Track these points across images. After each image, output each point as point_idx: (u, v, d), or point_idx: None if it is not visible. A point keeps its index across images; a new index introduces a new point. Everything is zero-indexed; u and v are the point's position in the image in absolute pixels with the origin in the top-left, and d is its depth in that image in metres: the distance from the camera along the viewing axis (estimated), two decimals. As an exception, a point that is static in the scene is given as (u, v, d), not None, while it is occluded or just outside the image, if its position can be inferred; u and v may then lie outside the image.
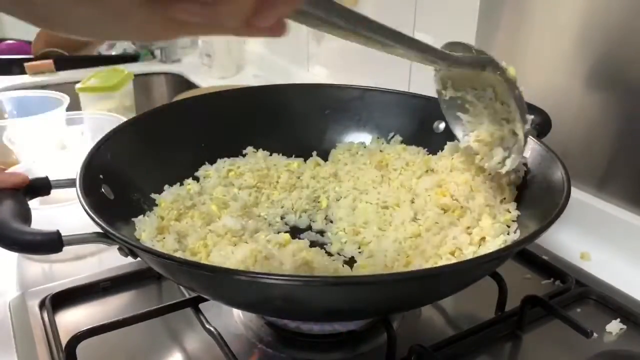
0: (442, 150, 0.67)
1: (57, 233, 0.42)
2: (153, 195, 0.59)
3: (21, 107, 0.99)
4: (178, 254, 0.52)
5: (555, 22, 0.71)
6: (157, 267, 0.45)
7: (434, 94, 0.71)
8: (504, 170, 0.56)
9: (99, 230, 0.43)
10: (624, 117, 0.66)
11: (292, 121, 0.73)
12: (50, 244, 0.42)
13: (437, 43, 0.89)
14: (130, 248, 0.43)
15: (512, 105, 0.54)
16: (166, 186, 0.62)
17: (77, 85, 1.05)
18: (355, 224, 0.63)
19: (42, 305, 0.56)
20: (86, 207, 0.44)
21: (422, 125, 0.71)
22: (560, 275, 0.61)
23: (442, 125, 0.69)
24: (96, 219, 0.43)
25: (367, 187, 0.67)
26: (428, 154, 0.69)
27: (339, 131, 0.74)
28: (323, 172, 0.70)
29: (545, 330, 0.55)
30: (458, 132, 0.61)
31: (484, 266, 0.45)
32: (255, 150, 0.71)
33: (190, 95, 1.09)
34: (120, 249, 0.44)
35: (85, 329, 0.49)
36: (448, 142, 0.66)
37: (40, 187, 0.51)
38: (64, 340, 0.49)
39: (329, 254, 0.59)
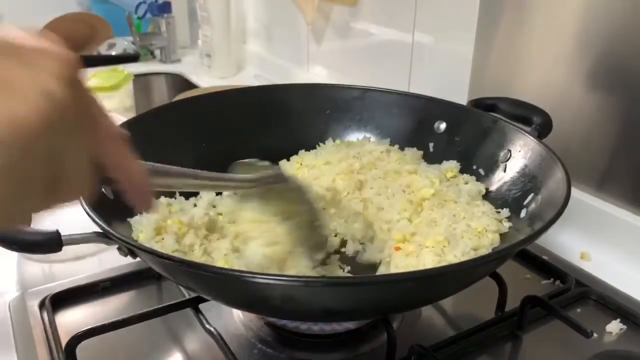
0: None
1: (57, 233, 0.42)
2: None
3: (21, 107, 0.99)
4: (177, 254, 0.52)
5: (555, 21, 0.71)
6: (157, 267, 0.45)
7: (434, 94, 0.71)
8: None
9: (98, 230, 0.43)
10: (624, 117, 0.66)
11: (292, 121, 0.73)
12: (49, 243, 0.42)
13: (437, 43, 0.90)
14: (129, 248, 0.43)
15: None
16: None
17: (77, 85, 1.05)
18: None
19: (42, 305, 0.56)
20: (86, 207, 0.44)
21: (423, 125, 0.71)
22: (560, 276, 0.61)
23: (442, 126, 0.69)
24: (96, 219, 0.43)
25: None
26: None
27: (340, 131, 0.74)
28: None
29: (545, 331, 0.55)
30: None
31: (484, 266, 0.45)
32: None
33: (190, 95, 1.09)
34: (119, 249, 0.44)
35: (85, 329, 0.49)
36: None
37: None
38: (64, 340, 0.49)
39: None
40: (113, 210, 0.51)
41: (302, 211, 0.54)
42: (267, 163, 0.53)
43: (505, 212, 0.58)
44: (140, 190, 0.35)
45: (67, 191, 0.28)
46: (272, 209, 0.53)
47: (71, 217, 0.60)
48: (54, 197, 0.28)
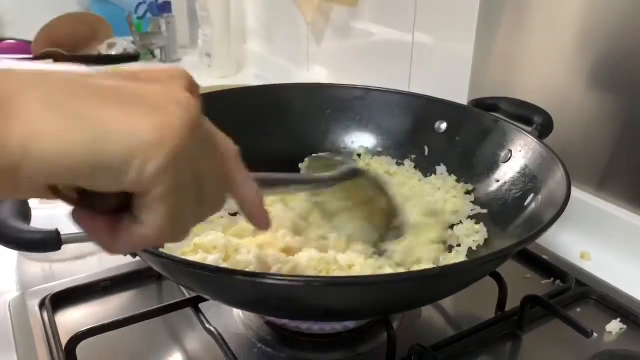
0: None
1: (56, 231, 0.42)
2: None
3: (21, 107, 0.98)
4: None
5: (555, 21, 0.71)
6: (156, 267, 0.45)
7: (434, 94, 0.71)
8: None
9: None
10: (624, 117, 0.66)
11: (293, 121, 0.73)
12: (49, 242, 0.42)
13: (437, 43, 0.90)
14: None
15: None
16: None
17: (77, 85, 1.04)
18: None
19: (42, 305, 0.56)
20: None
21: (424, 125, 0.71)
22: (561, 275, 0.61)
23: (443, 126, 0.69)
24: None
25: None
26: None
27: (341, 131, 0.74)
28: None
29: (545, 330, 0.55)
30: None
31: (484, 266, 0.45)
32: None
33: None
34: (119, 248, 0.44)
35: (85, 329, 0.49)
36: None
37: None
38: (64, 340, 0.49)
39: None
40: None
41: (380, 201, 0.56)
42: (340, 157, 0.54)
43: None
44: (258, 210, 0.35)
45: (207, 209, 0.31)
46: (352, 199, 0.55)
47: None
48: (199, 216, 0.30)
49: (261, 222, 0.35)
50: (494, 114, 0.66)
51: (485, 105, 0.68)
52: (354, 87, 0.75)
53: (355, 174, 0.54)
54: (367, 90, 0.74)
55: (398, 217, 0.56)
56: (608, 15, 0.65)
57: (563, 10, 0.69)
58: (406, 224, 0.57)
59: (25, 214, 0.46)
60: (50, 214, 0.63)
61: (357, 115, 0.74)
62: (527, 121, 0.64)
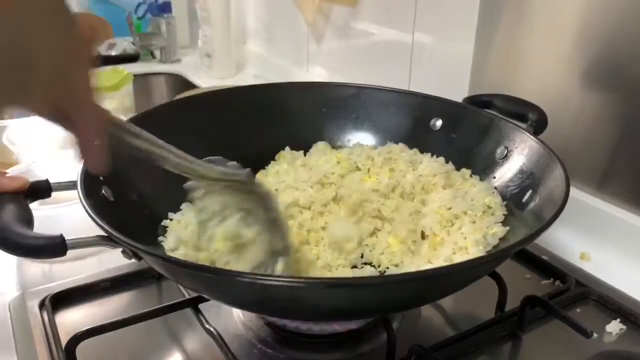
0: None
1: (61, 237, 0.41)
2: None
3: (21, 107, 0.99)
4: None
5: (554, 21, 0.71)
6: (161, 270, 0.45)
7: (432, 93, 0.71)
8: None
9: (102, 233, 0.42)
10: (624, 117, 0.66)
11: (289, 119, 0.73)
12: (54, 248, 0.41)
13: (437, 43, 0.90)
14: (134, 251, 0.43)
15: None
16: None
17: (77, 85, 1.05)
18: None
19: (42, 305, 0.56)
20: (90, 212, 0.43)
21: (419, 122, 0.71)
22: (560, 276, 0.61)
23: (439, 123, 0.70)
24: (101, 223, 0.42)
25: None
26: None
27: (337, 129, 0.74)
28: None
29: (545, 331, 0.55)
30: None
31: (483, 266, 0.45)
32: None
33: (190, 95, 1.09)
34: (123, 252, 0.44)
35: (85, 329, 0.49)
36: None
37: (41, 190, 0.50)
38: (63, 341, 0.49)
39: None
40: (116, 213, 0.51)
41: (266, 217, 0.52)
42: (235, 163, 0.52)
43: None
44: (92, 148, 0.30)
45: (35, 86, 0.25)
46: (235, 207, 0.51)
47: (72, 217, 0.60)
48: (21, 89, 0.25)
49: (93, 163, 0.31)
50: (489, 110, 0.66)
51: (479, 102, 0.68)
52: (349, 85, 0.75)
53: (246, 179, 0.50)
54: (363, 88, 0.74)
55: (282, 239, 0.51)
56: (608, 15, 0.65)
57: (563, 10, 0.69)
58: (289, 247, 0.51)
59: (27, 218, 0.45)
60: (51, 214, 0.63)
61: (353, 113, 0.74)
62: (522, 117, 0.63)
